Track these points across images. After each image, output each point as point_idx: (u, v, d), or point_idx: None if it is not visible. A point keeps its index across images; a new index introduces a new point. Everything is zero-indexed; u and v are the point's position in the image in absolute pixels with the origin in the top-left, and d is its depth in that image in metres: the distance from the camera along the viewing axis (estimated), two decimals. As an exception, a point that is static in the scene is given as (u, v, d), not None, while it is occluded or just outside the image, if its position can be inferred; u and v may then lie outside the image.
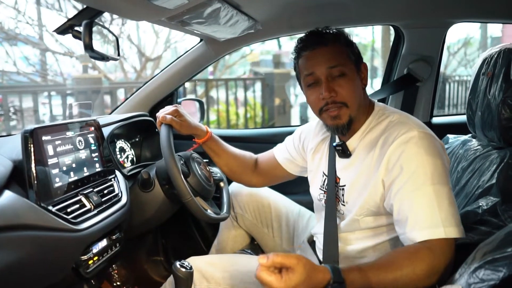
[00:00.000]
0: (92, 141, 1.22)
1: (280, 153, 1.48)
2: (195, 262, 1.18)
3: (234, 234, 1.60)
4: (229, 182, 1.63)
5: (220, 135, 1.50)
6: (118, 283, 1.69)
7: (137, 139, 1.74)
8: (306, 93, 1.17)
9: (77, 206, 1.06)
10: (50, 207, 0.97)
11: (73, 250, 1.03)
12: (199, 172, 1.40)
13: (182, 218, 1.87)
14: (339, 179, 1.19)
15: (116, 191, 1.24)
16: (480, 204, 1.09)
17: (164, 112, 1.33)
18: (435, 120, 1.97)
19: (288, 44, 7.53)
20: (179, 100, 2.01)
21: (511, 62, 1.11)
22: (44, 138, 1.02)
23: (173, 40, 6.98)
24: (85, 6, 1.20)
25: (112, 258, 1.22)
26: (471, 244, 0.90)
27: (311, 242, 1.37)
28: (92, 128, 1.24)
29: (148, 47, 7.05)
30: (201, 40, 1.79)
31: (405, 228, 0.96)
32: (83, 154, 1.17)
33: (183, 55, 1.85)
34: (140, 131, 1.73)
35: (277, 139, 1.60)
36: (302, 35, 1.18)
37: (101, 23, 1.29)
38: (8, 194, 0.88)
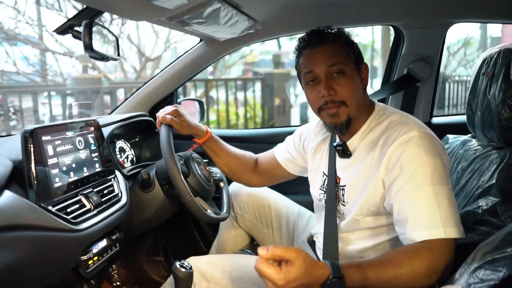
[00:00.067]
0: (92, 141, 1.22)
1: (280, 153, 1.48)
2: (195, 262, 1.17)
3: (234, 234, 1.60)
4: (229, 182, 1.63)
5: (220, 135, 1.50)
6: (118, 283, 1.69)
7: (137, 139, 1.74)
8: (306, 91, 1.17)
9: (77, 206, 1.06)
10: (50, 207, 0.97)
11: (73, 250, 1.03)
12: (199, 172, 1.40)
13: (182, 218, 1.87)
14: (339, 179, 1.19)
15: (116, 191, 1.24)
16: (480, 204, 1.09)
17: (164, 112, 1.33)
18: (435, 120, 1.97)
19: (288, 44, 7.53)
20: (179, 100, 2.01)
21: (511, 62, 1.11)
22: (44, 138, 1.02)
23: (173, 40, 6.99)
24: (85, 6, 1.20)
25: (112, 258, 1.22)
26: (471, 244, 0.90)
27: (311, 242, 1.37)
28: (92, 128, 1.24)
29: (148, 47, 7.05)
30: (201, 40, 1.79)
31: (405, 228, 0.96)
32: (83, 154, 1.17)
33: (183, 55, 1.85)
34: (140, 131, 1.73)
35: (277, 139, 1.60)
36: (301, 35, 1.18)
37: (101, 23, 1.29)
38: (8, 194, 0.88)
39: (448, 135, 1.46)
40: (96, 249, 1.12)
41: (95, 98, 6.18)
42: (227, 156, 1.46)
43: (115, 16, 5.36)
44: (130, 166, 1.62)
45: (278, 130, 2.36)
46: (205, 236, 1.92)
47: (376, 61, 8.39)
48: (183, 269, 1.05)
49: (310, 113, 5.87)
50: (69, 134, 1.13)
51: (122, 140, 1.64)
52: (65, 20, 1.25)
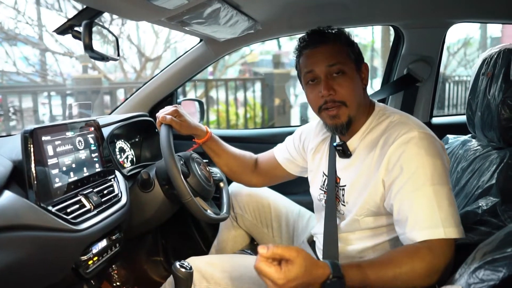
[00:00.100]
0: (92, 141, 1.22)
1: (280, 153, 1.48)
2: (194, 262, 1.17)
3: (234, 235, 1.60)
4: (229, 182, 1.63)
5: (220, 135, 1.50)
6: (118, 283, 1.69)
7: (137, 139, 1.74)
8: (306, 91, 1.17)
9: (77, 206, 1.06)
10: (50, 207, 0.97)
11: (73, 250, 1.03)
12: (199, 173, 1.40)
13: (182, 218, 1.87)
14: (339, 179, 1.19)
15: (116, 192, 1.24)
16: (480, 204, 1.09)
17: (164, 112, 1.33)
18: (435, 120, 1.97)
19: (288, 44, 7.52)
20: (178, 100, 2.01)
21: (510, 63, 1.11)
22: (44, 138, 1.02)
23: (173, 40, 6.99)
24: (85, 6, 1.20)
25: (112, 258, 1.22)
26: (471, 245, 0.90)
27: (311, 242, 1.37)
28: (92, 128, 1.24)
29: (148, 47, 7.05)
30: (201, 40, 1.79)
31: (405, 228, 0.96)
32: (83, 154, 1.17)
33: (183, 55, 1.85)
34: (140, 131, 1.73)
35: (277, 139, 1.60)
36: (301, 35, 1.18)
37: (101, 23, 1.29)
38: (8, 195, 0.88)
39: (448, 135, 1.46)
40: (96, 249, 1.12)
41: (95, 98, 6.18)
42: (227, 156, 1.46)
43: (115, 16, 5.36)
44: (130, 166, 1.62)
45: (278, 130, 2.36)
46: (205, 236, 1.92)
47: (376, 61, 8.39)
48: (183, 269, 1.05)
49: (310, 113, 5.87)
50: (69, 134, 1.13)
51: (122, 140, 1.64)
52: (65, 20, 1.25)
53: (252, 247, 1.63)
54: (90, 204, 1.10)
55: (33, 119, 5.79)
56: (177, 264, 1.06)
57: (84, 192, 1.11)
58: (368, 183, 1.07)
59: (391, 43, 2.03)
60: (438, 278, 0.90)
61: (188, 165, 1.39)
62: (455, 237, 0.92)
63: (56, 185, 1.03)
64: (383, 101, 1.96)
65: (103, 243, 1.16)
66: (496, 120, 1.12)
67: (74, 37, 1.26)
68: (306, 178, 1.39)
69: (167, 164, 1.20)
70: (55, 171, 1.04)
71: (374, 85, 7.30)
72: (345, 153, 1.16)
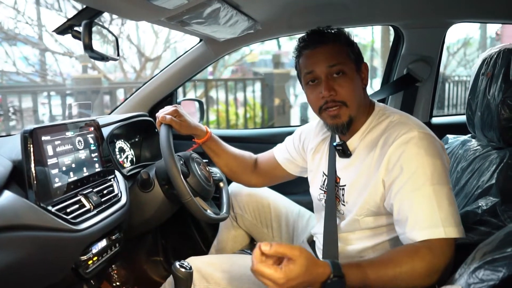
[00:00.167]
0: (91, 141, 1.22)
1: (280, 153, 1.48)
2: (194, 262, 1.18)
3: (233, 234, 1.60)
4: (229, 182, 1.63)
5: (220, 135, 1.50)
6: (117, 283, 1.69)
7: (136, 139, 1.74)
8: (306, 92, 1.17)
9: (77, 206, 1.06)
10: (49, 207, 0.97)
11: (72, 250, 1.03)
12: (199, 172, 1.40)
13: (182, 218, 1.87)
14: (339, 179, 1.19)
15: (116, 191, 1.24)
16: (480, 204, 1.10)
17: (163, 112, 1.33)
18: (435, 120, 1.97)
19: (287, 44, 7.53)
20: (178, 100, 2.01)
21: (510, 63, 1.11)
22: (43, 138, 1.02)
23: (172, 40, 6.98)
24: (84, 6, 1.20)
25: (111, 258, 1.22)
26: (470, 244, 0.90)
27: (311, 242, 1.37)
28: (92, 128, 1.24)
29: (147, 47, 7.05)
30: (200, 40, 1.79)
31: (405, 228, 0.96)
32: (82, 154, 1.16)
33: (183, 55, 1.85)
34: (139, 131, 1.73)
35: (277, 139, 1.60)
36: (301, 35, 1.18)
37: (100, 23, 1.29)
38: (7, 195, 0.88)
39: (447, 135, 1.46)
40: (95, 249, 1.12)
41: (95, 98, 6.18)
42: (226, 156, 1.46)
43: (114, 16, 5.36)
44: (129, 166, 1.62)
45: (277, 130, 2.36)
46: (205, 236, 1.92)
47: (375, 61, 8.39)
48: (183, 269, 1.05)
49: (310, 113, 5.87)
50: (69, 134, 1.13)
51: (122, 140, 1.64)
52: (65, 20, 1.25)
53: (252, 247, 1.63)
54: (90, 204, 1.10)
55: (32, 119, 5.79)
56: (177, 264, 1.06)
57: (84, 192, 1.11)
58: (368, 183, 1.07)
59: (391, 43, 2.03)
60: (438, 278, 0.90)
61: (188, 165, 1.39)
62: (455, 236, 0.92)
63: (56, 185, 1.03)
64: (383, 101, 1.96)
65: (103, 243, 1.16)
66: (496, 120, 1.12)
67: (74, 37, 1.26)
68: (306, 178, 1.39)
69: (167, 164, 1.20)
70: (54, 171, 1.04)
71: (374, 85, 7.30)
72: (345, 152, 1.16)
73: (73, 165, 1.12)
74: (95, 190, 1.16)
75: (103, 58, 1.30)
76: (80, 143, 1.17)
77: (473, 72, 1.27)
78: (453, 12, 1.70)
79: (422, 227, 0.93)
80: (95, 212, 1.10)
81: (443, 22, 1.78)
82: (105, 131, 1.38)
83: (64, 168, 1.07)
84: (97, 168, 1.22)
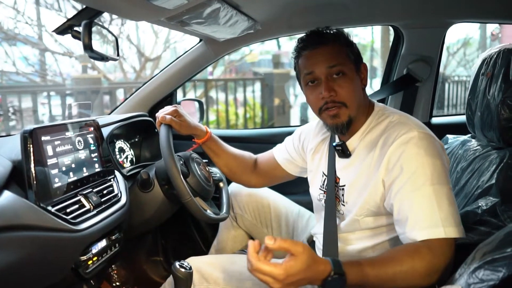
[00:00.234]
0: (91, 141, 1.22)
1: (279, 154, 1.48)
2: (194, 262, 1.18)
3: (233, 235, 1.60)
4: (229, 182, 1.63)
5: (220, 135, 1.50)
6: (117, 284, 1.69)
7: (136, 139, 1.73)
8: (306, 93, 1.17)
9: (77, 206, 1.06)
10: (49, 208, 0.97)
11: (72, 251, 1.03)
12: (199, 173, 1.40)
13: (182, 218, 1.87)
14: (339, 179, 1.19)
15: (116, 192, 1.24)
16: (480, 204, 1.10)
17: (163, 112, 1.33)
18: (435, 120, 1.97)
19: (287, 44, 7.52)
20: (178, 100, 2.01)
21: (510, 63, 1.11)
22: (43, 138, 1.02)
23: (172, 40, 6.98)
24: (84, 6, 1.20)
25: (111, 258, 1.22)
26: (470, 244, 0.90)
27: (311, 242, 1.37)
28: (92, 128, 1.24)
29: (147, 47, 7.04)
30: (200, 40, 1.79)
31: (405, 228, 0.96)
32: (82, 155, 1.16)
33: (183, 55, 1.85)
34: (139, 131, 1.73)
35: (277, 139, 1.60)
36: (301, 35, 1.18)
37: (100, 23, 1.29)
38: (7, 195, 0.88)
39: (447, 135, 1.46)
40: (95, 249, 1.12)
41: (95, 98, 6.18)
42: (226, 157, 1.46)
43: (114, 16, 5.36)
44: (129, 166, 1.62)
45: (277, 130, 2.36)
46: (205, 236, 1.92)
47: (375, 61, 8.39)
48: (183, 269, 1.05)
49: (310, 113, 5.88)
50: (69, 134, 1.13)
51: (122, 140, 1.64)
52: (65, 20, 1.25)
53: (251, 247, 1.62)
54: (90, 204, 1.10)
55: (32, 119, 5.79)
56: (177, 264, 1.06)
57: (84, 192, 1.11)
58: (368, 183, 1.07)
59: (390, 43, 2.03)
60: (438, 278, 0.90)
61: (187, 165, 1.39)
62: (455, 236, 0.92)
63: (56, 185, 1.03)
64: (382, 101, 1.96)
65: (103, 243, 1.15)
66: (495, 120, 1.12)
67: (74, 37, 1.26)
68: (306, 178, 1.39)
69: (167, 164, 1.20)
70: (54, 171, 1.04)
71: (373, 85, 7.30)
72: (345, 153, 1.16)
73: (73, 165, 1.12)
74: (95, 190, 1.16)
75: (103, 58, 1.30)
76: (80, 143, 1.17)
77: (473, 72, 1.27)
78: (453, 12, 1.70)
79: (422, 227, 0.93)
80: (95, 212, 1.10)
81: (443, 22, 1.78)
82: (105, 131, 1.38)
83: (64, 168, 1.07)
84: (97, 168, 1.22)
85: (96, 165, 1.22)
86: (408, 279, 0.89)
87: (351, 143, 1.16)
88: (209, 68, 6.65)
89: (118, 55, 1.41)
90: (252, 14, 1.45)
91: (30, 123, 5.74)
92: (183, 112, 1.36)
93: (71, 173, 1.10)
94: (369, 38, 8.57)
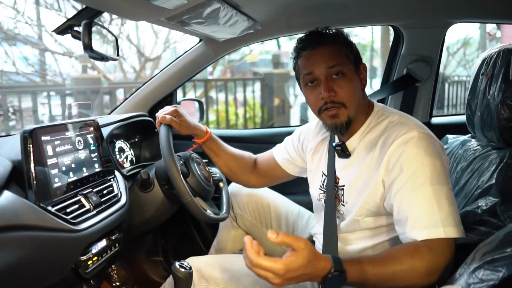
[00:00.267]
0: (91, 141, 1.22)
1: (279, 154, 1.48)
2: (194, 262, 1.18)
3: (233, 235, 1.60)
4: (229, 182, 1.63)
5: (220, 135, 1.50)
6: (117, 284, 1.69)
7: (136, 139, 1.73)
8: (305, 93, 1.17)
9: (76, 206, 1.06)
10: (49, 208, 0.97)
11: (72, 251, 1.03)
12: (199, 173, 1.40)
13: (182, 218, 1.87)
14: (339, 179, 1.19)
15: (116, 192, 1.24)
16: (480, 204, 1.10)
17: (163, 112, 1.33)
18: (435, 120, 1.97)
19: (287, 44, 7.53)
20: (178, 100, 2.01)
21: (510, 63, 1.11)
22: (43, 138, 1.02)
23: (172, 40, 6.98)
24: (84, 6, 1.20)
25: (111, 258, 1.22)
26: (470, 244, 0.90)
27: (311, 242, 1.37)
28: (92, 128, 1.24)
29: (147, 47, 7.04)
30: (200, 40, 1.79)
31: (405, 227, 0.96)
32: (82, 154, 1.16)
33: (183, 55, 1.85)
34: (139, 131, 1.73)
35: (277, 139, 1.60)
36: (301, 35, 1.18)
37: (100, 23, 1.29)
38: (7, 195, 0.88)
39: (447, 135, 1.46)
40: (95, 249, 1.12)
41: (95, 98, 6.18)
42: (226, 157, 1.46)
43: (114, 16, 5.36)
44: (129, 166, 1.62)
45: (277, 130, 2.36)
46: (205, 236, 1.92)
47: (375, 61, 8.40)
48: (183, 269, 1.05)
49: (310, 113, 5.88)
50: (69, 134, 1.13)
51: (122, 140, 1.64)
52: (65, 20, 1.25)
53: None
54: (90, 204, 1.10)
55: (32, 119, 5.79)
56: (177, 264, 1.06)
57: (84, 192, 1.11)
58: (368, 183, 1.07)
59: (390, 43, 2.03)
60: (438, 278, 0.90)
61: (187, 165, 1.39)
62: (455, 236, 0.92)
63: (56, 185, 1.03)
64: (382, 101, 1.96)
65: (103, 243, 1.15)
66: (495, 120, 1.12)
67: (74, 37, 1.26)
68: (306, 178, 1.39)
69: (167, 164, 1.20)
70: (54, 171, 1.04)
71: (373, 85, 7.31)
72: (344, 153, 1.16)
73: (73, 165, 1.12)
74: (94, 190, 1.16)
75: (103, 58, 1.30)
76: (79, 143, 1.16)
77: (473, 72, 1.27)
78: (453, 12, 1.70)
79: (422, 227, 0.93)
80: (94, 212, 1.10)
81: (443, 22, 1.78)
82: (105, 131, 1.38)
83: (63, 168, 1.07)
84: (97, 168, 1.22)
85: (96, 165, 1.22)
86: (408, 278, 0.89)
87: (350, 143, 1.16)
88: (209, 68, 6.65)
89: (118, 55, 1.41)
90: (252, 14, 1.45)
91: (30, 123, 5.74)
92: (183, 112, 1.36)
93: (71, 173, 1.10)
94: (369, 38, 8.58)
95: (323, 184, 1.26)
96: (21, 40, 6.10)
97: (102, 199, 1.15)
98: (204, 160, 1.53)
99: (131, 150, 1.69)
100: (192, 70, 1.88)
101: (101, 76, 6.83)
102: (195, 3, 1.12)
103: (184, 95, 5.22)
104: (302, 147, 1.40)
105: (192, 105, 2.00)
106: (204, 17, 1.26)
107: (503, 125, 1.11)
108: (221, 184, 1.58)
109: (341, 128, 1.12)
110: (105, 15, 4.82)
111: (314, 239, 1.33)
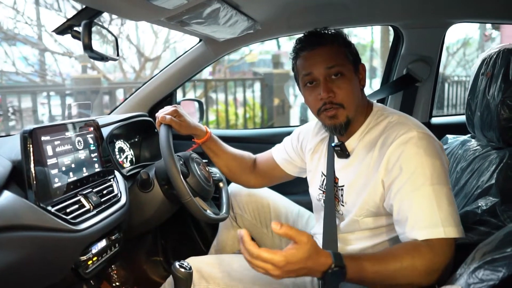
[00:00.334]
0: (91, 141, 1.22)
1: (278, 154, 1.48)
2: (194, 262, 1.17)
3: (233, 235, 1.60)
4: (228, 182, 1.63)
5: (219, 135, 1.50)
6: (117, 284, 1.69)
7: (136, 139, 1.73)
8: (304, 94, 1.17)
9: (76, 206, 1.06)
10: (49, 208, 0.97)
11: (72, 251, 1.03)
12: (199, 173, 1.40)
13: (182, 218, 1.87)
14: (338, 179, 1.19)
15: (115, 192, 1.24)
16: (480, 204, 1.10)
17: (163, 112, 1.33)
18: (434, 120, 1.97)
19: (287, 44, 7.54)
20: (178, 100, 2.01)
21: (510, 63, 1.11)
22: (43, 138, 1.02)
23: (172, 40, 6.99)
24: (84, 6, 1.20)
25: (111, 258, 1.22)
26: (470, 244, 0.91)
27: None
28: (91, 128, 1.24)
29: (147, 47, 7.05)
30: (200, 40, 1.79)
31: (405, 228, 0.96)
32: (82, 155, 1.16)
33: (182, 55, 1.85)
34: (139, 131, 1.73)
35: (276, 139, 1.60)
36: (301, 35, 1.18)
37: (100, 23, 1.29)
38: (7, 195, 0.88)
39: (447, 135, 1.46)
40: (95, 249, 1.12)
41: (94, 98, 6.18)
42: (226, 157, 1.46)
43: (114, 16, 5.36)
44: (129, 166, 1.62)
45: (277, 130, 2.36)
46: (205, 236, 1.92)
47: (375, 61, 8.40)
48: (183, 270, 1.05)
49: (310, 113, 5.86)
50: (69, 134, 1.13)
51: (122, 140, 1.64)
52: (65, 20, 1.25)
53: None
54: (90, 204, 1.10)
55: (32, 119, 5.79)
56: (177, 264, 1.06)
57: (84, 192, 1.11)
58: (367, 184, 1.07)
59: (390, 43, 2.03)
60: (438, 277, 0.90)
61: (187, 165, 1.39)
62: (454, 236, 0.92)
63: (56, 185, 1.03)
64: (382, 101, 1.96)
65: (103, 243, 1.15)
66: (495, 120, 1.12)
67: (74, 37, 1.26)
68: (306, 178, 1.39)
69: (167, 164, 1.20)
70: (54, 171, 1.04)
71: (373, 85, 7.31)
72: (344, 153, 1.16)
73: (73, 165, 1.12)
74: (94, 190, 1.16)
75: (103, 58, 1.30)
76: (79, 143, 1.16)
77: (473, 72, 1.27)
78: (453, 12, 1.70)
79: (421, 227, 0.93)
80: (94, 212, 1.10)
81: (443, 22, 1.78)
82: (105, 131, 1.38)
83: (63, 168, 1.07)
84: (97, 168, 1.22)
85: (96, 165, 1.22)
86: (407, 277, 0.89)
87: (350, 144, 1.16)
88: (209, 68, 6.65)
89: (117, 55, 1.41)
90: (252, 14, 1.45)
91: (30, 123, 5.74)
92: (183, 112, 1.36)
93: (71, 173, 1.10)
94: (369, 38, 8.58)
95: (322, 184, 1.26)
96: (21, 40, 6.11)
97: (102, 199, 1.15)
98: (204, 160, 1.53)
99: (131, 150, 1.69)
100: (192, 70, 1.88)
101: (101, 76, 6.83)
102: (195, 3, 1.12)
103: (184, 95, 5.22)
104: (301, 147, 1.40)
105: (192, 105, 2.00)
106: (204, 17, 1.26)
107: (503, 125, 1.11)
108: (221, 184, 1.58)
109: (340, 129, 1.12)
110: (105, 15, 4.82)
111: (314, 239, 1.33)
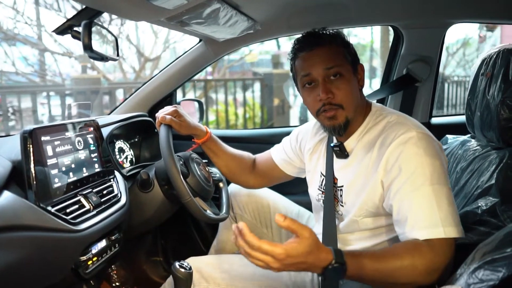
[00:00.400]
0: (91, 141, 1.22)
1: (277, 154, 1.48)
2: (194, 262, 1.18)
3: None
4: (228, 182, 1.63)
5: (219, 136, 1.50)
6: (117, 284, 1.69)
7: (136, 140, 1.73)
8: (303, 94, 1.17)
9: (76, 206, 1.06)
10: (49, 208, 0.97)
11: (72, 251, 1.03)
12: (199, 173, 1.40)
13: (182, 218, 1.87)
14: (337, 179, 1.19)
15: (115, 192, 1.24)
16: (479, 204, 1.10)
17: (163, 113, 1.33)
18: (434, 120, 1.97)
19: (287, 44, 7.51)
20: (178, 100, 2.01)
21: (510, 63, 1.11)
22: (43, 138, 1.02)
23: (172, 40, 6.98)
24: (84, 6, 1.20)
25: (111, 258, 1.22)
26: (470, 245, 0.91)
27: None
28: (91, 129, 1.24)
29: (147, 47, 7.04)
30: (200, 41, 1.79)
31: (404, 228, 0.96)
32: (82, 155, 1.16)
33: (182, 56, 1.85)
34: (139, 131, 1.73)
35: (276, 139, 1.60)
36: (299, 35, 1.18)
37: (100, 23, 1.29)
38: (7, 195, 0.88)
39: (447, 135, 1.46)
40: (95, 249, 1.12)
41: (94, 98, 6.18)
42: (226, 157, 1.46)
43: (114, 16, 5.36)
44: (129, 166, 1.62)
45: (277, 130, 2.36)
46: (205, 237, 1.92)
47: (375, 62, 8.39)
48: (183, 270, 1.05)
49: (310, 113, 5.84)
50: (68, 134, 1.13)
51: (122, 140, 1.64)
52: (64, 20, 1.25)
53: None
54: (90, 204, 1.10)
55: (32, 119, 5.78)
56: (177, 264, 1.06)
57: (84, 192, 1.11)
58: (367, 184, 1.07)
59: (390, 43, 2.03)
60: (438, 277, 0.90)
61: (187, 165, 1.39)
62: (454, 236, 0.92)
63: (56, 185, 1.03)
64: (382, 101, 1.96)
65: (103, 243, 1.15)
66: (495, 120, 1.12)
67: (74, 37, 1.26)
68: (305, 179, 1.39)
69: (167, 164, 1.20)
70: (54, 171, 1.04)
71: (373, 85, 7.30)
72: (342, 153, 1.16)
73: (73, 166, 1.12)
74: (94, 190, 1.16)
75: (103, 58, 1.30)
76: (79, 143, 1.16)
77: (473, 72, 1.27)
78: (453, 12, 1.70)
79: (421, 227, 0.93)
80: (94, 212, 1.10)
81: (443, 22, 1.78)
82: (105, 131, 1.38)
83: (63, 169, 1.07)
84: (97, 168, 1.22)
85: (96, 165, 1.22)
86: (407, 276, 0.89)
87: (348, 144, 1.16)
88: (209, 68, 6.64)
89: (117, 55, 1.41)
90: (252, 14, 1.45)
91: (30, 123, 5.74)
92: (183, 112, 1.36)
93: (71, 173, 1.10)
94: (369, 38, 8.56)
95: (321, 185, 1.26)
96: (21, 40, 6.10)
97: (102, 199, 1.15)
98: (204, 160, 1.53)
99: (131, 150, 1.69)
100: (192, 70, 1.88)
101: (100, 76, 6.83)
102: (195, 3, 1.12)
103: (184, 95, 5.22)
104: (300, 148, 1.40)
105: (192, 105, 2.00)
106: (204, 17, 1.26)
107: (502, 125, 1.11)
108: (221, 184, 1.58)
109: (339, 130, 1.12)
110: (105, 15, 4.82)
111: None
